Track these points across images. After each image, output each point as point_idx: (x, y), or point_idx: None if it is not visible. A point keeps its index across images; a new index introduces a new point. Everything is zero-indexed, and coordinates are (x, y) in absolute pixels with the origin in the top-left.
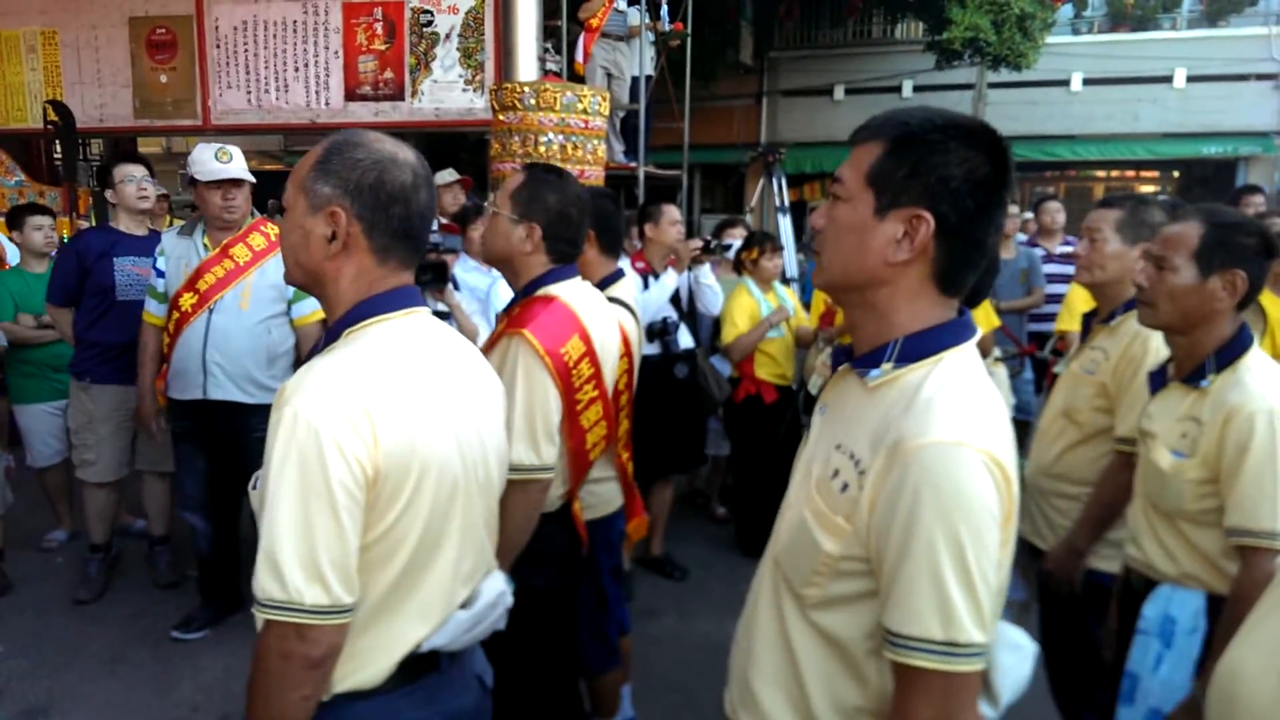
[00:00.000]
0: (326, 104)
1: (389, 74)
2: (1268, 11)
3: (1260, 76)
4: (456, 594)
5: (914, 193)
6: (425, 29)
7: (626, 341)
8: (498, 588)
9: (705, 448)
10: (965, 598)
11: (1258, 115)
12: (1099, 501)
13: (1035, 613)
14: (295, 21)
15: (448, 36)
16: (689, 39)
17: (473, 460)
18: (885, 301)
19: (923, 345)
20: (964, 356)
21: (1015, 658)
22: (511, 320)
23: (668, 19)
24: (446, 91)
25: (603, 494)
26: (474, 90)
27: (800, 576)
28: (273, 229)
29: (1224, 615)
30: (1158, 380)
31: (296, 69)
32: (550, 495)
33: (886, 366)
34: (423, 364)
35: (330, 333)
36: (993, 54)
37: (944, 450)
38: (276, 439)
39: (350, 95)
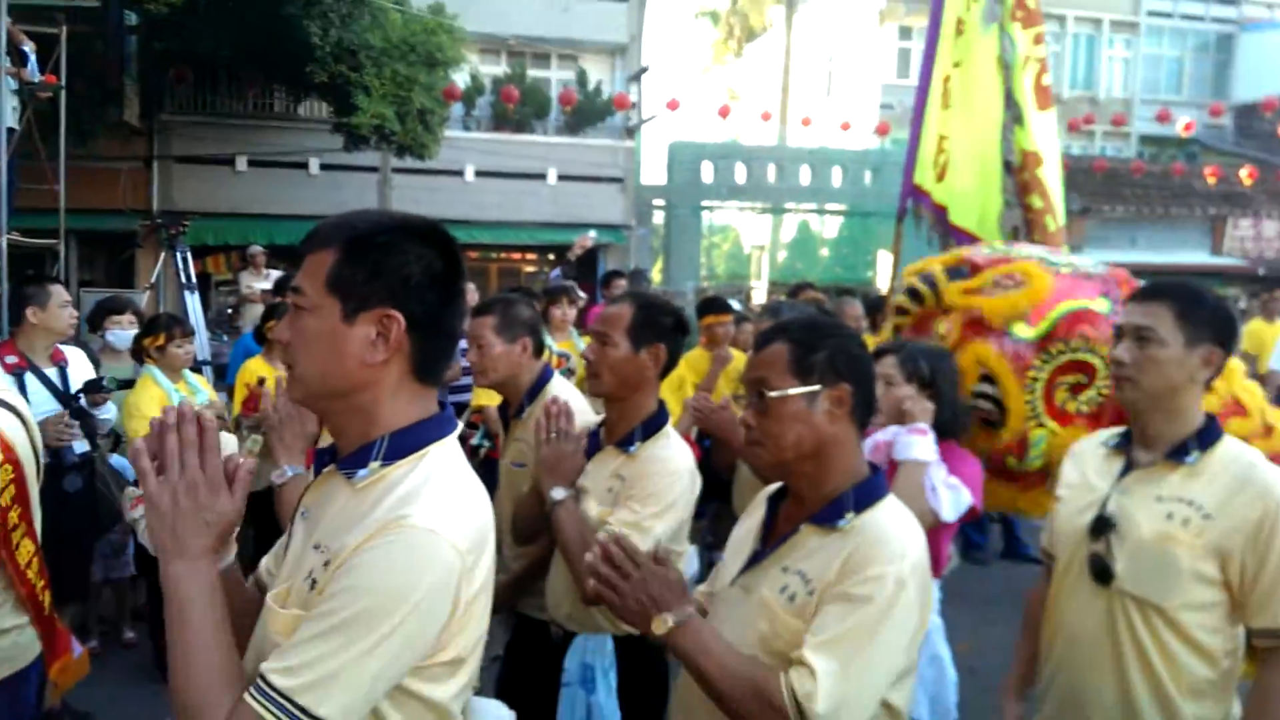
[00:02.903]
0: None
1: None
2: (614, 127)
3: (612, 179)
4: None
5: (379, 294)
6: None
7: (8, 448)
8: None
9: (89, 574)
10: (359, 668)
11: (611, 211)
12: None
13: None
14: None
15: None
16: (63, 91)
17: None
18: (369, 403)
19: (409, 441)
20: (447, 449)
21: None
22: None
23: (36, 69)
24: None
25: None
26: None
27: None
28: None
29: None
30: (591, 446)
31: None
32: None
33: (374, 465)
34: None
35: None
36: (398, 142)
37: (416, 534)
38: None
39: None
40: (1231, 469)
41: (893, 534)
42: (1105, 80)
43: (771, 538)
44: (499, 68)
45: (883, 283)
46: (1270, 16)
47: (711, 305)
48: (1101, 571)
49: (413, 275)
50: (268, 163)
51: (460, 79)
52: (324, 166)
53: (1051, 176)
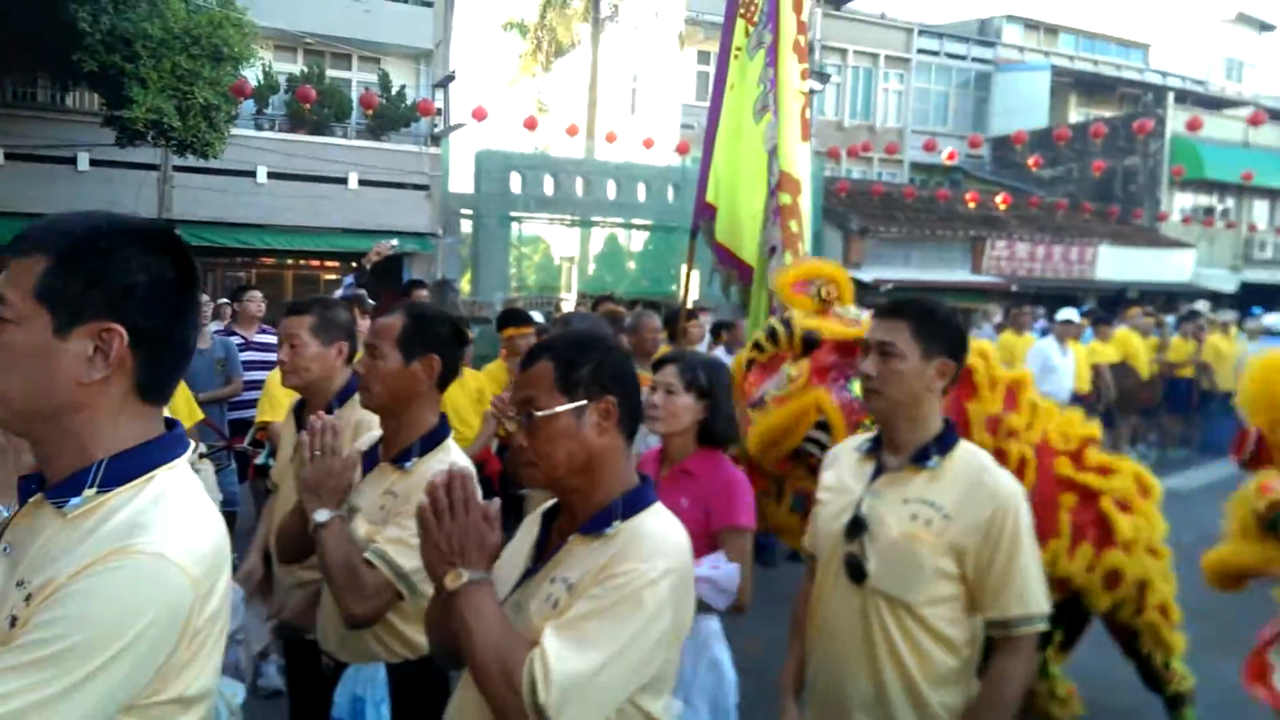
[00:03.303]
0: None
1: None
2: (418, 133)
3: (417, 186)
4: None
5: (97, 305)
6: None
7: None
8: None
9: None
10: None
11: (417, 219)
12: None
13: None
14: None
15: None
16: None
17: None
18: (83, 425)
19: (131, 466)
20: (177, 474)
21: None
22: None
23: None
24: None
25: None
26: None
27: None
28: None
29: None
30: (368, 461)
31: None
32: None
33: (89, 493)
34: None
35: None
36: (178, 139)
37: (142, 561)
38: None
39: None
40: (966, 472)
41: (652, 535)
42: (881, 111)
43: (544, 554)
44: (295, 66)
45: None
46: (1022, 59)
47: (511, 317)
48: (856, 571)
49: (137, 284)
50: (29, 156)
51: (252, 75)
52: (94, 162)
53: (805, 205)
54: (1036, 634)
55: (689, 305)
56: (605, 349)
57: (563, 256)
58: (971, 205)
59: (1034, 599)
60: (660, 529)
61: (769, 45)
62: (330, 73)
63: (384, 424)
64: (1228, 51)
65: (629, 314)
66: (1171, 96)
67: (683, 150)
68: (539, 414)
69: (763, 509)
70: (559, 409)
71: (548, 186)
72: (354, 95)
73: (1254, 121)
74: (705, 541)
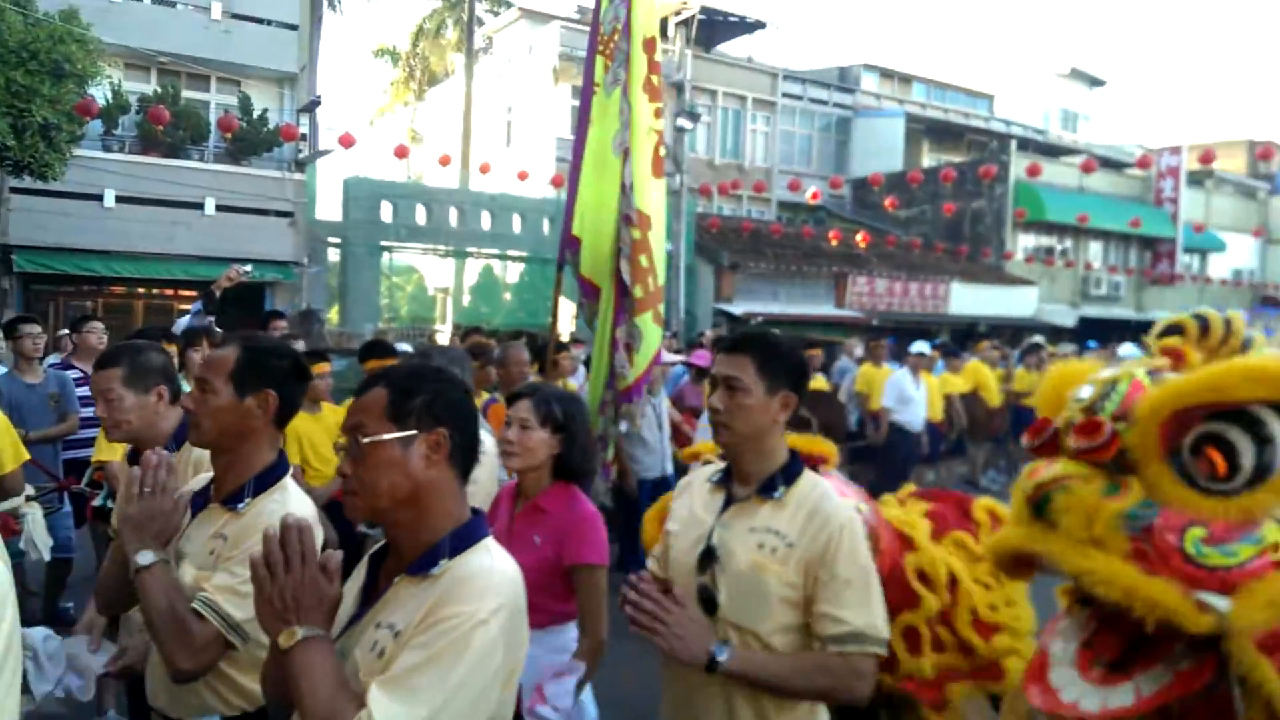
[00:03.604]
0: None
1: None
2: (282, 158)
3: (280, 213)
4: None
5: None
6: None
7: None
8: None
9: None
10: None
11: (280, 246)
12: None
13: None
14: None
15: None
16: None
17: None
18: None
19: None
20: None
21: None
22: None
23: None
24: None
25: None
26: None
27: None
28: None
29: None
30: (199, 502)
31: None
32: None
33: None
34: None
35: None
36: (14, 159)
37: None
38: None
39: None
40: (809, 499)
41: (480, 573)
42: (750, 151)
43: (371, 597)
44: (148, 85)
45: (561, 327)
46: (879, 105)
47: (374, 349)
48: (708, 602)
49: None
50: None
51: (99, 94)
52: None
53: (656, 241)
54: (874, 659)
55: (563, 337)
56: (444, 381)
57: (437, 287)
58: (834, 243)
59: (864, 617)
60: (488, 565)
61: (624, 83)
62: (187, 94)
63: (215, 462)
64: (1063, 103)
65: (497, 346)
66: (1014, 144)
67: (558, 183)
68: (365, 440)
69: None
70: (385, 436)
71: (420, 216)
72: (212, 117)
73: (1087, 168)
74: (558, 579)
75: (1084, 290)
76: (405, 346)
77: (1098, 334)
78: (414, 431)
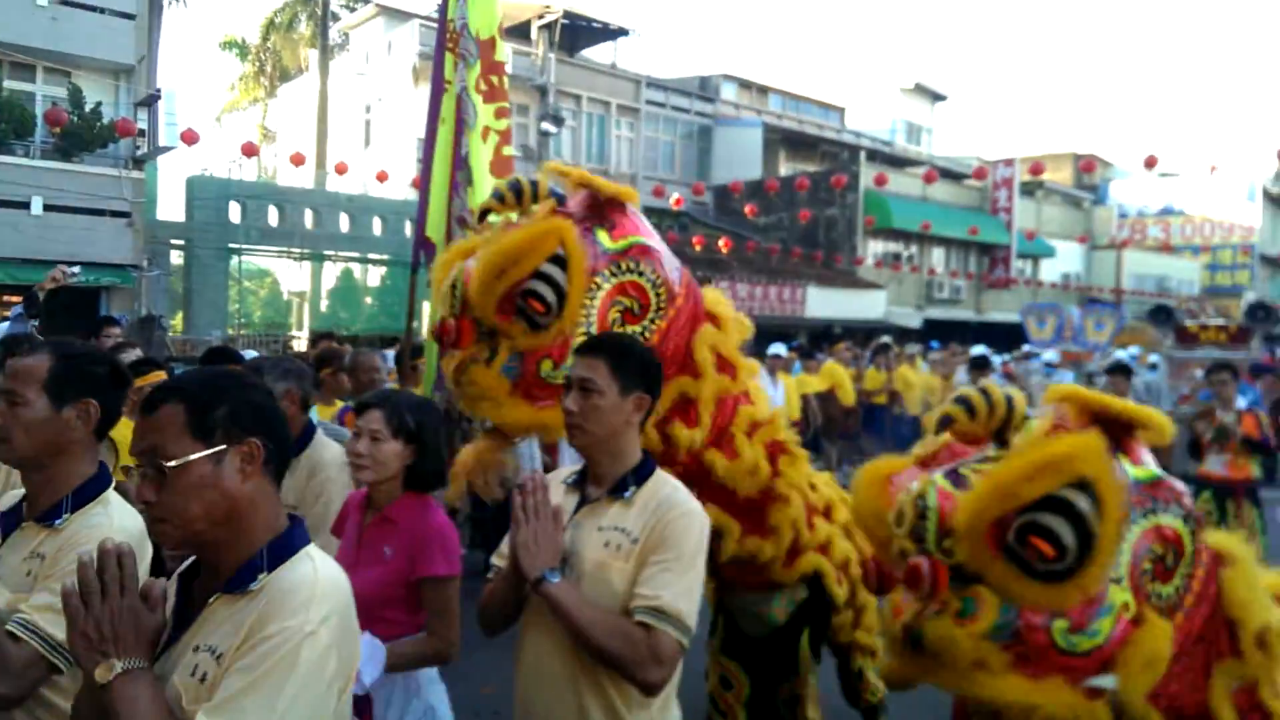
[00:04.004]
0: None
1: None
2: (117, 155)
3: (116, 213)
4: None
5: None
6: None
7: None
8: None
9: None
10: None
11: (117, 249)
12: None
13: None
14: None
15: None
16: None
17: None
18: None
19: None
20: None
21: None
22: None
23: None
24: None
25: None
26: None
27: None
28: None
29: None
30: (10, 522)
31: None
32: None
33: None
34: None
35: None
36: None
37: None
38: None
39: None
40: (656, 497)
41: (303, 584)
42: (615, 156)
43: (184, 619)
44: None
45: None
46: (738, 115)
47: (219, 355)
48: None
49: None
50: None
51: None
52: None
53: None
54: (677, 648)
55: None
56: (245, 387)
57: (293, 292)
58: (698, 248)
59: (679, 602)
60: (311, 574)
61: (464, 84)
62: (9, 84)
63: (28, 479)
64: (908, 116)
65: (349, 353)
66: (863, 155)
67: (418, 185)
68: (170, 464)
69: (470, 377)
70: (193, 456)
71: (273, 217)
72: (39, 110)
73: (929, 179)
74: (407, 590)
75: (928, 294)
76: (252, 353)
77: (941, 335)
78: (223, 446)
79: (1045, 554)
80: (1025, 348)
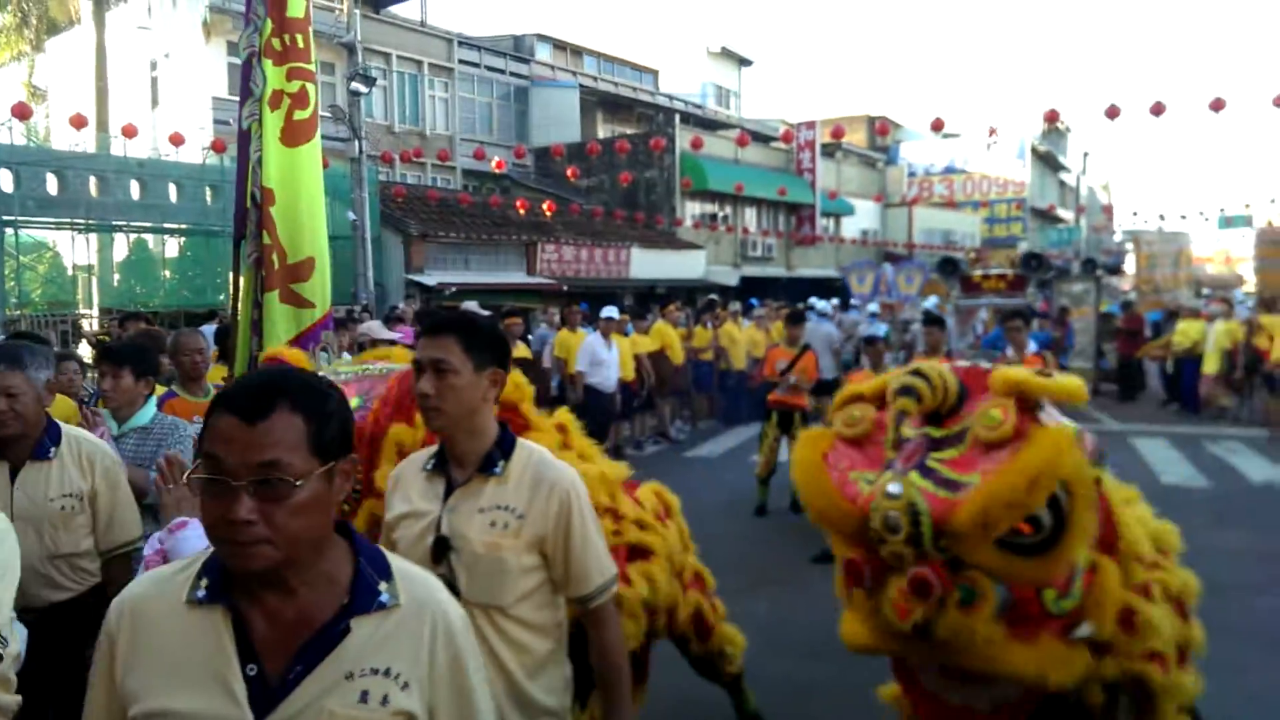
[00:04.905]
0: None
1: None
2: None
3: None
4: None
5: None
6: None
7: None
8: None
9: None
10: None
11: None
12: None
13: None
14: None
15: None
16: None
17: None
18: None
19: None
20: None
21: None
22: None
23: None
24: None
25: None
26: None
27: None
28: None
29: None
30: None
31: None
32: None
33: None
34: None
35: None
36: None
37: None
38: None
39: None
40: (528, 469)
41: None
42: (430, 118)
43: (278, 650)
44: None
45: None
46: (554, 77)
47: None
48: (449, 589)
49: None
50: None
51: None
52: None
53: (284, 214)
54: (614, 595)
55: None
56: (336, 397)
57: (78, 266)
58: (522, 212)
59: (605, 566)
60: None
61: (256, 49)
62: None
63: None
64: (717, 80)
65: (169, 332)
66: (678, 118)
67: (219, 149)
68: (298, 482)
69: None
70: (317, 473)
71: (52, 185)
72: None
73: (741, 142)
74: None
75: (743, 252)
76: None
77: (757, 291)
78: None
79: (1024, 532)
80: (853, 300)
